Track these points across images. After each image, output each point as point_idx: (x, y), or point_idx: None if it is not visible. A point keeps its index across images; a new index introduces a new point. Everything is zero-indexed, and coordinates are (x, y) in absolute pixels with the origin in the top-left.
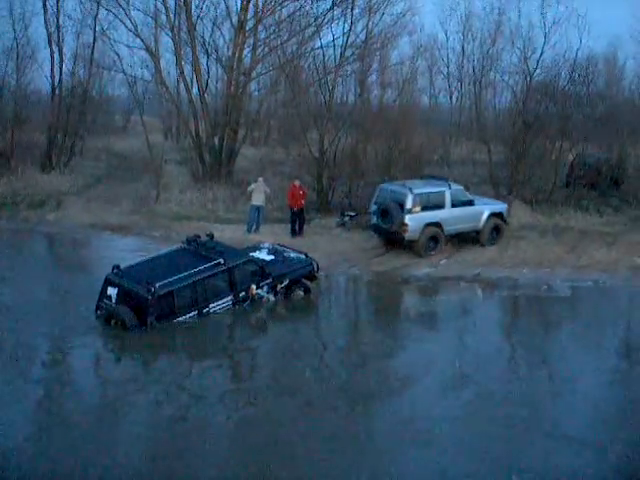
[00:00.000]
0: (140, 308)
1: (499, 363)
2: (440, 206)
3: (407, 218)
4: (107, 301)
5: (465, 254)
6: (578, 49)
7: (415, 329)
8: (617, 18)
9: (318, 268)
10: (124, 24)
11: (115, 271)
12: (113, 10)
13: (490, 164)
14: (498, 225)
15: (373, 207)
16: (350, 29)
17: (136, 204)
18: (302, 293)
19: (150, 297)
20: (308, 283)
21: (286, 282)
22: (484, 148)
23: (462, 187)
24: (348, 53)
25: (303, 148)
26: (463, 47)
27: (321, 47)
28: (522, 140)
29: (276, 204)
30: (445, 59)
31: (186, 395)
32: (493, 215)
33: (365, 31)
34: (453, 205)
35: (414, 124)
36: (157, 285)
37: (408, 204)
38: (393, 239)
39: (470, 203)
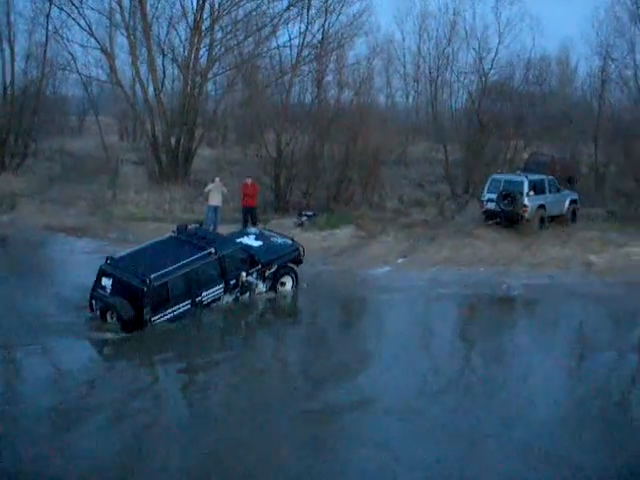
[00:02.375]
0: (136, 299)
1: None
2: (543, 192)
3: (527, 200)
4: (102, 291)
5: (422, 253)
6: (531, 50)
7: (370, 328)
8: (569, 20)
9: (304, 253)
10: (78, 23)
11: (109, 262)
12: (66, 8)
13: (446, 163)
14: (575, 210)
15: (488, 195)
16: (306, 29)
17: (92, 205)
18: (290, 286)
19: (146, 288)
20: (295, 267)
21: (274, 268)
22: (440, 147)
23: (553, 178)
24: (305, 53)
25: (260, 148)
26: (419, 47)
27: (277, 47)
28: (478, 139)
29: (233, 204)
30: (401, 59)
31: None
32: (572, 202)
33: (321, 31)
34: (550, 192)
35: (371, 124)
36: (152, 276)
37: (525, 188)
38: (512, 219)
39: (558, 191)
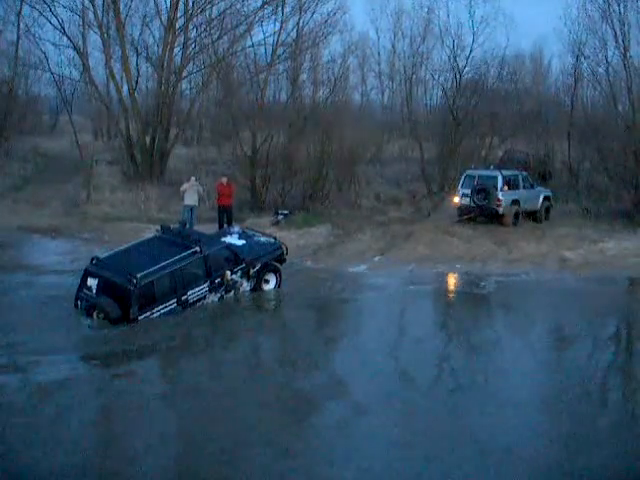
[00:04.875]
0: (122, 299)
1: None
2: (517, 187)
3: (500, 195)
4: (87, 292)
5: (398, 251)
6: (505, 47)
7: (338, 325)
8: (542, 17)
9: (287, 251)
10: (50, 21)
11: (94, 262)
12: (37, 7)
13: (422, 161)
14: (548, 207)
15: (462, 191)
16: (281, 27)
17: (66, 206)
18: (273, 284)
19: (132, 288)
20: (278, 266)
21: (258, 266)
22: (416, 145)
23: (527, 174)
24: (279, 52)
25: (236, 147)
26: (394, 45)
27: (252, 46)
28: (453, 137)
29: (209, 204)
30: (376, 57)
31: None
32: (545, 198)
33: (296, 30)
34: (524, 187)
35: (346, 122)
36: (139, 275)
37: (499, 183)
38: (486, 214)
39: (532, 187)
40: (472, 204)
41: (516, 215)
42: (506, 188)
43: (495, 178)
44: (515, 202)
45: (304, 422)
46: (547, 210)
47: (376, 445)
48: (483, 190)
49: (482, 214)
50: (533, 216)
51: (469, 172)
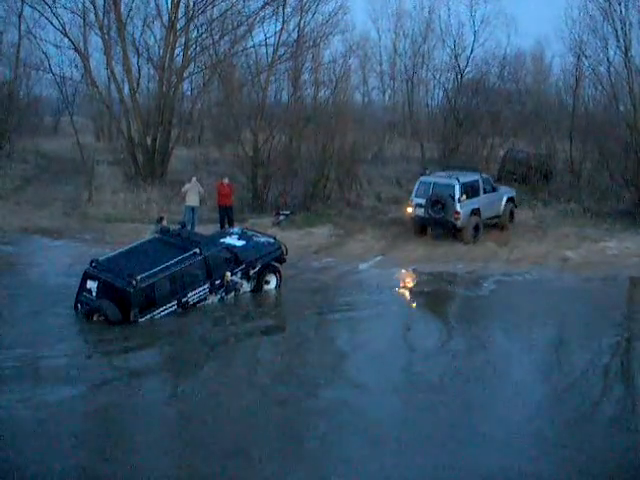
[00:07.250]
0: (122, 301)
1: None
2: (476, 194)
3: (458, 207)
4: (87, 295)
5: (400, 251)
6: (506, 47)
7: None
8: (543, 18)
9: (287, 251)
10: (51, 23)
11: (94, 265)
12: (39, 8)
13: (423, 161)
14: (512, 210)
15: (417, 200)
16: (282, 28)
17: (67, 207)
18: (274, 284)
19: (132, 290)
20: (279, 266)
21: (258, 267)
22: (417, 145)
23: (489, 176)
24: (281, 52)
25: (237, 147)
26: (395, 45)
27: (253, 46)
28: (454, 137)
29: (211, 204)
30: (377, 57)
31: None
32: (509, 200)
33: (297, 30)
34: (484, 192)
35: (348, 122)
36: (138, 278)
37: (457, 193)
38: (444, 227)
39: (494, 189)
40: (427, 216)
41: (476, 228)
42: (464, 197)
43: (452, 187)
44: (475, 212)
45: None
46: (511, 213)
47: None
48: (438, 202)
49: (439, 226)
50: (497, 224)
51: (423, 179)
